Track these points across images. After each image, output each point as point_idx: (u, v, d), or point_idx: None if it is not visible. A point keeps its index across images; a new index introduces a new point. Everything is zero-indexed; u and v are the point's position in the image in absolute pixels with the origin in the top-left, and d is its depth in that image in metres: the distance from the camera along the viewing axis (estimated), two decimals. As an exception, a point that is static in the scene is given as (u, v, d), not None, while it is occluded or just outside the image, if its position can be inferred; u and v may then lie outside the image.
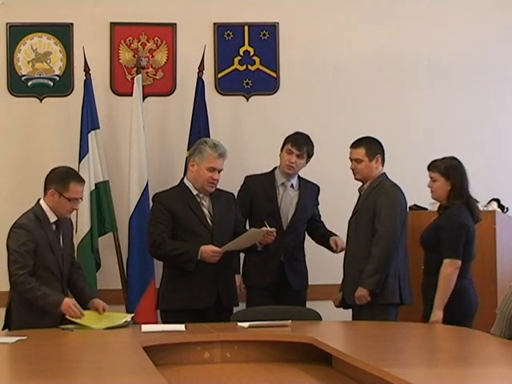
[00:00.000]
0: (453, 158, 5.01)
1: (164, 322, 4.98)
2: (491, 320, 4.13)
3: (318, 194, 5.70)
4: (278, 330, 4.25)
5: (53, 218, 4.76)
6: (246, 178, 5.66)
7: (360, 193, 5.37)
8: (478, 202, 5.90)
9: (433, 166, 4.99)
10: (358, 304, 5.11)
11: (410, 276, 5.21)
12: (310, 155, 5.56)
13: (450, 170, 4.91)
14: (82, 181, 4.86)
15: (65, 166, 4.98)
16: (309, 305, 5.49)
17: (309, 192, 5.64)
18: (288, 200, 5.57)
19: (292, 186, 5.60)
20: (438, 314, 4.77)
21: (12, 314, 4.74)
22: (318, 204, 5.72)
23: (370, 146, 5.33)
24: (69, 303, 4.56)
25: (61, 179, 4.75)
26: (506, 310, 3.99)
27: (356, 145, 5.36)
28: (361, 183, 5.37)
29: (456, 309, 4.76)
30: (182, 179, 5.31)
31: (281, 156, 5.58)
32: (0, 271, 6.04)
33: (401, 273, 5.13)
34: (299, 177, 5.65)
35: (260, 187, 5.57)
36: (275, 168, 5.64)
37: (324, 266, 5.90)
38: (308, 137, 5.59)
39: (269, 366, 3.99)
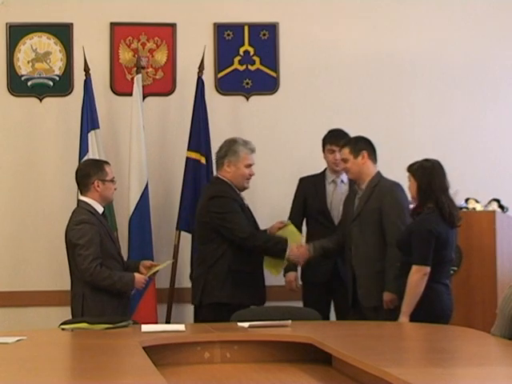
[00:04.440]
0: (427, 160, 4.99)
1: (207, 317, 5.01)
2: (491, 320, 4.12)
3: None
4: (278, 330, 4.25)
5: (100, 210, 5.06)
6: (300, 179, 5.83)
7: (355, 194, 5.36)
8: (478, 202, 5.93)
9: (408, 167, 5.02)
10: (385, 307, 5.12)
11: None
12: None
13: (418, 171, 4.92)
14: (108, 162, 5.24)
15: (87, 160, 5.55)
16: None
17: None
18: (339, 196, 5.69)
19: (342, 181, 5.73)
20: (404, 320, 4.76)
21: (88, 309, 4.92)
22: None
23: (354, 144, 5.33)
24: (138, 277, 5.01)
25: (97, 169, 5.08)
26: (506, 310, 4.00)
27: (341, 145, 5.40)
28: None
29: (428, 311, 4.75)
30: (217, 177, 5.36)
31: (325, 158, 5.72)
32: (0, 271, 6.09)
33: None
34: None
35: (311, 187, 5.75)
36: (325, 169, 5.77)
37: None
38: (342, 130, 5.69)
39: (269, 366, 3.98)
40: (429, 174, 4.88)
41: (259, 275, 5.30)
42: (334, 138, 5.64)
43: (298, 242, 5.44)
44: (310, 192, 5.73)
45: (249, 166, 5.33)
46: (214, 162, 5.44)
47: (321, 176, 5.76)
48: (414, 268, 4.78)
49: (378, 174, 5.33)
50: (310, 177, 5.80)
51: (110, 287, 4.93)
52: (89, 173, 5.06)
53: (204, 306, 5.21)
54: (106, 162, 5.21)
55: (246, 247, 5.19)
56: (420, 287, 4.76)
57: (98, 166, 5.13)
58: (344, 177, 5.70)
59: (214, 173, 5.96)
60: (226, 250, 5.19)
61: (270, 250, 5.28)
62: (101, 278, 4.89)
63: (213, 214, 5.20)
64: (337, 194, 5.71)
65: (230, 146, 5.34)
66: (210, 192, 5.31)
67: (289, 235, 5.42)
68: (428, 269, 4.77)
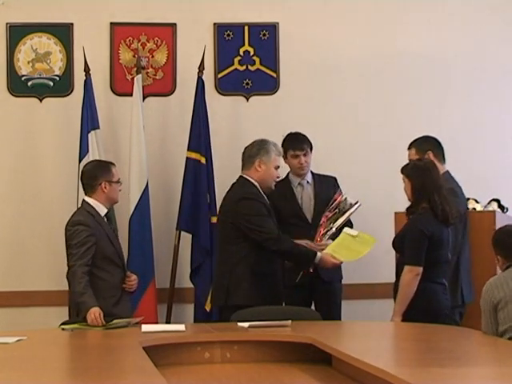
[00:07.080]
0: (419, 160, 5.02)
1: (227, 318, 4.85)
2: (491, 320, 4.14)
3: (336, 183, 5.74)
4: (278, 330, 4.25)
5: (103, 212, 5.00)
6: None
7: None
8: (478, 202, 5.93)
9: (401, 169, 5.02)
10: None
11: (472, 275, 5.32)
12: (311, 147, 5.67)
13: (411, 171, 4.93)
14: (113, 163, 5.17)
15: (92, 161, 5.40)
16: (347, 304, 5.71)
17: (324, 184, 5.71)
18: (308, 197, 5.69)
19: (308, 182, 5.72)
20: (396, 319, 4.78)
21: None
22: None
23: (420, 144, 5.43)
24: (95, 312, 4.58)
25: (104, 170, 5.03)
26: (485, 303, 4.04)
27: (408, 147, 5.46)
28: None
29: (425, 311, 4.75)
30: (243, 177, 5.21)
31: (288, 163, 5.68)
32: (0, 271, 6.09)
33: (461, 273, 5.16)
34: (312, 173, 5.74)
35: (279, 193, 5.64)
36: (288, 173, 5.72)
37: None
38: (301, 134, 5.68)
39: (269, 366, 3.99)
40: (422, 173, 4.90)
41: (279, 276, 5.24)
42: (297, 143, 5.63)
43: (369, 246, 5.24)
44: (279, 198, 5.64)
45: (277, 167, 5.25)
46: (242, 160, 5.21)
47: (286, 181, 5.72)
48: (406, 268, 4.80)
49: (446, 173, 5.32)
50: (275, 184, 5.70)
51: (74, 295, 4.77)
52: (96, 174, 5.02)
53: (229, 307, 5.08)
54: (112, 163, 5.15)
55: (270, 250, 5.09)
56: (412, 287, 4.78)
57: (105, 167, 5.08)
58: (309, 177, 5.71)
59: (215, 173, 5.97)
60: (250, 252, 5.10)
61: (294, 257, 5.18)
62: (74, 279, 4.75)
63: (241, 215, 5.10)
64: (305, 194, 5.70)
65: (263, 145, 5.24)
66: (239, 193, 5.19)
67: (354, 244, 5.24)
68: (420, 269, 4.78)
